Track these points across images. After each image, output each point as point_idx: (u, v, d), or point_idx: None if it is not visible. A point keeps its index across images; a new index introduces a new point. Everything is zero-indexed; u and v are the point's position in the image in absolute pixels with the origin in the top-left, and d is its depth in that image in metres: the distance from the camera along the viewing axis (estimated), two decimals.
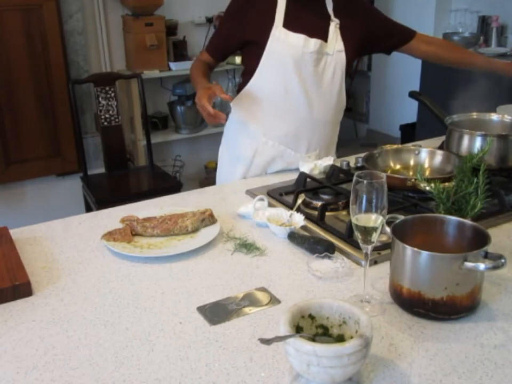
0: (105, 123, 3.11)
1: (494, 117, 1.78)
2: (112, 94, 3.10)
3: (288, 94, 1.75)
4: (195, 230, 1.36)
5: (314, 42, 1.70)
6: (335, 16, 1.77)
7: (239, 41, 1.81)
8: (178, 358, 0.93)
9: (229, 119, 1.95)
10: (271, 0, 1.73)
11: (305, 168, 1.71)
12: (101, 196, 2.92)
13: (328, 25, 1.75)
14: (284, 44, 1.70)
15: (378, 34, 1.87)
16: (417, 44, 1.92)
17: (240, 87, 1.86)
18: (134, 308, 1.08)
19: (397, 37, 1.91)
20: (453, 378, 0.87)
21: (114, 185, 3.15)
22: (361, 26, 1.82)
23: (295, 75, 1.72)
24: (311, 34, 1.71)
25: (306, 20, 1.74)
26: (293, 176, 1.68)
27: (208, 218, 1.38)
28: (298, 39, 1.69)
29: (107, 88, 3.08)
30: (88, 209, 3.08)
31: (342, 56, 1.76)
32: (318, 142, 1.85)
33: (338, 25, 1.76)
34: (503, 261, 0.97)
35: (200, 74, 1.79)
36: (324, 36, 1.73)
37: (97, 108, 3.12)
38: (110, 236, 1.33)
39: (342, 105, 1.86)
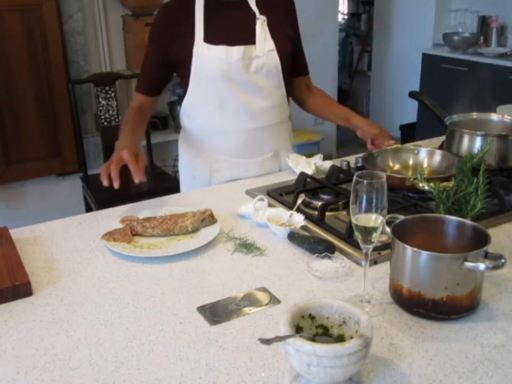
0: (105, 123, 3.11)
1: (494, 117, 1.78)
2: (112, 94, 3.10)
3: (225, 108, 1.69)
4: (195, 230, 1.36)
5: (237, 50, 1.62)
6: (261, 12, 1.67)
7: (168, 67, 1.73)
8: (178, 358, 0.93)
9: (179, 140, 1.90)
10: (188, 16, 1.64)
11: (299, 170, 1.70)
12: (101, 195, 2.92)
13: (254, 24, 1.66)
14: (207, 60, 1.63)
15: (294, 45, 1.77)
16: (301, 84, 1.88)
17: (180, 104, 1.80)
18: (134, 307, 1.08)
19: (298, 65, 1.83)
20: (453, 378, 0.87)
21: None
22: (284, 24, 1.73)
23: (227, 87, 1.65)
24: (235, 41, 1.63)
25: (228, 27, 1.66)
26: (293, 176, 1.68)
27: (208, 218, 1.38)
28: (219, 51, 1.62)
29: (107, 88, 3.08)
30: (88, 209, 3.08)
31: (274, 55, 1.67)
32: (270, 144, 1.80)
33: (265, 22, 1.66)
34: (503, 261, 0.97)
35: (128, 131, 1.63)
36: (251, 39, 1.65)
37: (97, 107, 3.12)
38: (110, 236, 1.33)
39: (285, 103, 1.80)
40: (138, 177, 1.43)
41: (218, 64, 1.63)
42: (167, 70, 1.75)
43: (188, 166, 1.88)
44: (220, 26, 1.65)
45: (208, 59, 1.63)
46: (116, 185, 1.43)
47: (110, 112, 3.11)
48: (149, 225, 1.36)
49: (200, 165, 1.81)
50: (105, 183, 1.45)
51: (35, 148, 3.42)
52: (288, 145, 1.92)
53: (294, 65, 1.79)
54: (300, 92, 1.89)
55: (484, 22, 4.48)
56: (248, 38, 1.65)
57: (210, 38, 1.63)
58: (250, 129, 1.73)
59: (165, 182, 3.16)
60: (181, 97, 1.80)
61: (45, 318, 1.05)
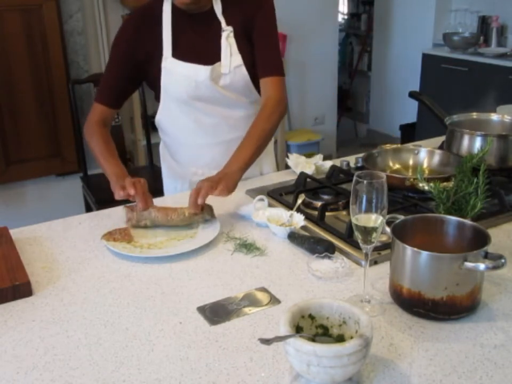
0: None
1: (494, 117, 1.78)
2: None
3: (198, 123, 1.66)
4: (192, 221, 1.37)
5: (204, 70, 1.56)
6: (228, 21, 1.58)
7: (133, 79, 1.66)
8: (178, 358, 0.93)
9: (160, 150, 1.87)
10: (155, 30, 1.58)
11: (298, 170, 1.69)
12: (101, 196, 2.92)
13: (220, 38, 1.57)
14: (176, 76, 1.58)
15: (257, 42, 1.62)
16: (264, 85, 1.62)
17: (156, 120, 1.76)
18: (134, 307, 1.08)
19: (260, 66, 1.62)
20: (453, 378, 0.87)
21: None
22: (256, 20, 1.60)
23: (200, 103, 1.62)
24: (203, 58, 1.57)
25: (197, 40, 1.59)
26: (293, 176, 1.68)
27: (206, 209, 1.38)
28: (187, 69, 1.57)
29: None
30: (88, 209, 3.08)
31: (242, 71, 1.59)
32: None
33: (232, 34, 1.57)
34: (503, 261, 0.97)
35: (107, 154, 1.55)
36: (218, 54, 1.58)
37: None
38: (110, 236, 1.33)
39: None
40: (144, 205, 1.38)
41: (186, 82, 1.58)
42: (131, 82, 1.67)
43: (169, 176, 1.86)
44: (187, 42, 1.59)
45: (176, 76, 1.59)
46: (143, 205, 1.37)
47: None
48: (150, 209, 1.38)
49: (180, 178, 1.80)
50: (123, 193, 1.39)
51: (35, 148, 3.42)
52: (269, 147, 1.84)
53: (258, 64, 1.63)
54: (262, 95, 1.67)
55: (484, 22, 4.48)
56: (214, 55, 1.58)
57: (178, 54, 1.58)
58: (227, 140, 1.68)
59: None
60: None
61: (45, 318, 1.05)
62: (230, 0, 1.59)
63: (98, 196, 2.90)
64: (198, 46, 1.60)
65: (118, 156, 1.58)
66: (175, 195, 1.76)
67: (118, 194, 1.40)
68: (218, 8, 1.59)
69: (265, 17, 1.63)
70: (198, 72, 1.57)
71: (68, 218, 1.50)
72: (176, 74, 1.59)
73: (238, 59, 1.59)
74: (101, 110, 1.65)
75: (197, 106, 1.64)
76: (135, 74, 1.64)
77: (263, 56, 1.62)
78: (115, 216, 1.48)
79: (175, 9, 1.58)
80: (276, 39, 1.65)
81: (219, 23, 1.59)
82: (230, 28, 1.58)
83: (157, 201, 1.60)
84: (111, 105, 1.66)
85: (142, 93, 3.15)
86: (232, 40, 1.59)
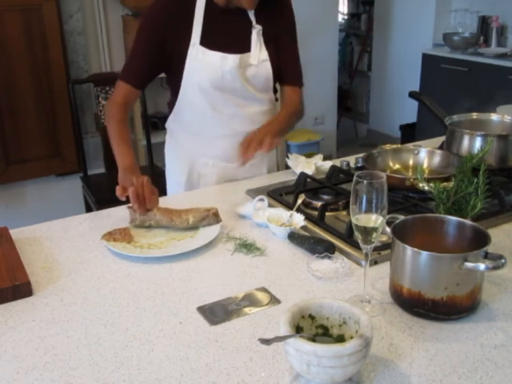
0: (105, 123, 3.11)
1: (494, 117, 1.78)
2: None
3: (217, 111, 1.68)
4: (195, 227, 1.36)
5: (232, 59, 1.60)
6: (258, 21, 1.65)
7: (159, 60, 1.64)
8: (178, 358, 0.93)
9: (166, 141, 1.88)
10: (188, 15, 1.61)
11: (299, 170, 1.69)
12: (101, 196, 2.92)
13: (251, 33, 1.64)
14: (201, 64, 1.60)
15: (283, 52, 1.72)
16: (285, 94, 1.76)
17: (169, 107, 1.78)
18: (134, 307, 1.08)
19: (285, 72, 1.73)
20: (453, 378, 0.87)
21: (114, 185, 3.10)
22: (278, 32, 1.70)
23: (220, 93, 1.64)
24: (231, 48, 1.61)
25: (226, 31, 1.63)
26: (293, 177, 1.68)
27: (211, 217, 1.37)
28: (215, 57, 1.60)
29: (107, 88, 3.08)
30: (88, 209, 3.08)
31: (267, 65, 1.66)
32: None
33: (261, 32, 1.64)
34: (503, 261, 0.97)
35: (121, 141, 1.58)
36: (246, 46, 1.63)
37: (97, 107, 3.12)
38: (110, 236, 1.33)
39: (274, 108, 1.78)
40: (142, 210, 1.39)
41: (212, 71, 1.61)
42: (157, 63, 1.66)
43: (175, 171, 1.86)
44: (217, 32, 1.63)
45: (202, 64, 1.61)
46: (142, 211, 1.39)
47: None
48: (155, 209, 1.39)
49: (188, 169, 1.79)
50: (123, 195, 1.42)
51: (35, 148, 3.42)
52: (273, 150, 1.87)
53: (282, 73, 1.73)
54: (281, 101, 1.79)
55: (484, 22, 4.48)
56: (243, 46, 1.64)
57: (206, 42, 1.61)
58: (241, 133, 1.69)
59: (165, 182, 3.15)
60: (171, 94, 1.75)
61: (45, 318, 1.05)
62: (260, 3, 1.63)
63: (98, 196, 2.90)
64: (227, 37, 1.64)
65: (130, 143, 1.61)
66: (177, 195, 1.76)
67: (120, 196, 1.42)
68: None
69: (291, 26, 1.77)
70: (226, 61, 1.61)
71: (67, 218, 1.49)
72: (203, 62, 1.61)
73: (265, 54, 1.67)
74: (126, 89, 1.65)
75: (217, 95, 1.66)
76: (161, 56, 1.64)
77: (289, 66, 1.76)
78: (115, 216, 1.48)
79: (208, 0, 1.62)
80: (298, 49, 1.79)
81: (249, 20, 1.65)
82: (259, 26, 1.65)
83: (161, 200, 1.61)
84: (136, 85, 1.66)
85: (142, 93, 3.15)
86: (261, 38, 1.66)
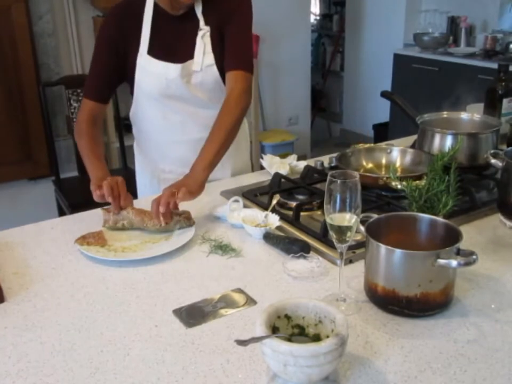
0: None
1: (464, 115, 1.81)
2: None
3: (167, 119, 1.67)
4: (167, 230, 1.36)
5: (174, 68, 1.58)
6: (207, 21, 1.60)
7: (119, 70, 1.64)
8: (155, 362, 0.92)
9: (134, 147, 1.89)
10: (137, 25, 1.60)
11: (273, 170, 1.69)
12: (74, 199, 2.88)
13: (196, 37, 1.60)
14: (148, 74, 1.61)
15: (226, 40, 1.62)
16: (228, 80, 1.60)
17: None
18: (109, 312, 1.07)
19: (227, 59, 1.61)
20: (427, 374, 0.88)
21: (87, 188, 3.07)
22: (231, 19, 1.61)
23: (169, 101, 1.63)
24: (175, 57, 1.59)
25: (172, 39, 1.61)
26: (268, 177, 1.69)
27: (183, 221, 1.37)
28: (159, 67, 1.59)
29: (78, 91, 3.04)
30: (61, 213, 3.04)
31: (213, 70, 1.61)
32: None
33: (208, 33, 1.60)
34: (474, 257, 0.99)
35: (92, 156, 1.54)
36: (191, 53, 1.60)
37: (68, 110, 3.08)
38: (84, 240, 1.32)
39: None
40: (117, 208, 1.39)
41: (157, 80, 1.60)
42: (118, 73, 1.65)
43: (141, 174, 1.87)
44: (163, 40, 1.61)
45: (148, 73, 1.61)
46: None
47: None
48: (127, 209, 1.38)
49: (149, 174, 1.81)
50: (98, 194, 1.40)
51: (6, 151, 3.36)
52: (243, 146, 1.87)
53: (225, 60, 1.62)
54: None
55: (453, 22, 4.55)
56: (188, 52, 1.60)
57: (153, 51, 1.60)
58: (195, 139, 1.67)
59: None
60: None
61: (18, 324, 1.03)
62: (210, 0, 1.60)
63: (72, 200, 2.86)
64: (172, 45, 1.61)
65: (103, 157, 1.58)
66: (149, 197, 1.74)
67: (95, 194, 1.40)
68: (198, 8, 1.61)
69: (241, 16, 1.63)
70: (169, 70, 1.59)
71: (40, 222, 1.47)
72: (149, 71, 1.61)
73: (210, 58, 1.61)
74: (90, 106, 1.64)
75: (166, 103, 1.65)
76: (117, 68, 1.64)
77: (232, 51, 1.61)
78: (88, 220, 1.46)
79: (156, 7, 1.60)
80: (248, 37, 1.65)
81: (197, 22, 1.61)
82: (207, 28, 1.60)
83: (134, 202, 1.59)
84: (99, 100, 1.65)
85: (115, 95, 3.13)
86: (207, 40, 1.61)
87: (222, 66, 1.62)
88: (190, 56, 1.60)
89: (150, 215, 1.37)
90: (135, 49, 1.61)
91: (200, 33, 1.60)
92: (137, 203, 1.61)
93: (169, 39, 1.62)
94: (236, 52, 1.62)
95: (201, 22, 1.60)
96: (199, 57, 1.60)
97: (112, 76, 1.65)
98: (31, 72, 3.32)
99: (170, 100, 1.64)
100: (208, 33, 1.60)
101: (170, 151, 1.74)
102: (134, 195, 1.73)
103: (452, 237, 1.04)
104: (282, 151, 4.19)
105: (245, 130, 1.88)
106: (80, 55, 3.62)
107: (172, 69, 1.59)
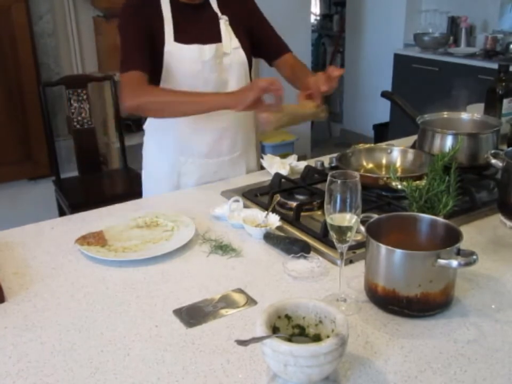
0: (78, 126, 3.07)
1: (464, 115, 1.81)
2: (85, 97, 3.06)
3: None
4: (319, 116, 1.60)
5: (209, 49, 1.64)
6: (222, 13, 1.70)
7: (152, 50, 1.62)
8: (155, 362, 0.92)
9: (144, 142, 1.87)
10: (157, 15, 1.63)
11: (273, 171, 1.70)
12: (74, 199, 2.88)
13: (219, 24, 1.69)
14: (180, 59, 1.63)
15: (259, 36, 1.79)
16: (286, 65, 1.83)
17: None
18: (109, 312, 1.07)
19: (275, 47, 1.82)
20: (427, 374, 0.88)
21: (88, 188, 3.11)
22: (244, 20, 1.75)
23: (199, 86, 1.64)
24: (205, 40, 1.65)
25: (196, 25, 1.67)
26: (268, 177, 1.69)
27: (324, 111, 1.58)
28: (192, 50, 1.63)
29: (79, 91, 3.04)
30: (62, 213, 3.04)
31: (240, 53, 1.71)
32: (239, 141, 1.81)
33: (227, 22, 1.70)
34: (475, 257, 0.99)
35: (189, 92, 1.58)
36: (217, 36, 1.68)
37: (69, 110, 3.08)
38: (84, 240, 1.32)
39: None
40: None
41: (192, 64, 1.64)
42: (150, 50, 1.61)
43: (153, 171, 1.85)
44: (188, 26, 1.66)
45: (180, 59, 1.63)
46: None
47: (83, 114, 3.07)
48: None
49: (167, 169, 1.79)
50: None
51: (6, 151, 3.36)
52: (253, 142, 1.91)
53: (269, 48, 1.81)
54: (286, 73, 1.84)
55: (453, 22, 4.55)
56: (215, 36, 1.67)
57: (180, 38, 1.63)
58: (221, 128, 1.73)
59: (139, 185, 3.12)
60: None
61: (18, 324, 1.03)
62: None
63: (72, 200, 2.86)
64: (197, 31, 1.66)
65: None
66: (153, 197, 1.75)
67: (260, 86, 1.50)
68: (213, 1, 1.71)
69: (256, 7, 1.81)
70: (204, 52, 1.64)
71: (40, 223, 1.47)
72: (181, 57, 1.63)
73: (236, 42, 1.70)
74: (138, 76, 1.56)
75: (198, 91, 1.64)
76: (151, 44, 1.61)
77: (275, 39, 1.83)
78: (89, 220, 1.46)
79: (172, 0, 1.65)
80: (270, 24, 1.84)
81: (213, 12, 1.70)
82: (225, 17, 1.70)
83: (136, 203, 1.61)
84: (143, 68, 1.57)
85: (115, 95, 3.12)
86: (229, 27, 1.70)
87: (246, 50, 1.72)
88: (218, 39, 1.67)
89: (302, 102, 1.50)
90: (159, 39, 1.62)
91: (221, 21, 1.69)
92: (145, 202, 1.62)
93: (192, 26, 1.67)
94: (277, 39, 1.83)
95: (219, 13, 1.70)
96: (226, 40, 1.68)
97: (149, 50, 1.60)
98: (31, 72, 3.32)
99: (200, 87, 1.64)
100: (228, 22, 1.70)
101: (193, 141, 1.75)
102: (139, 196, 1.74)
103: (452, 237, 1.04)
104: (283, 151, 4.19)
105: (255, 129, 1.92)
106: (80, 55, 3.62)
107: (207, 50, 1.64)
